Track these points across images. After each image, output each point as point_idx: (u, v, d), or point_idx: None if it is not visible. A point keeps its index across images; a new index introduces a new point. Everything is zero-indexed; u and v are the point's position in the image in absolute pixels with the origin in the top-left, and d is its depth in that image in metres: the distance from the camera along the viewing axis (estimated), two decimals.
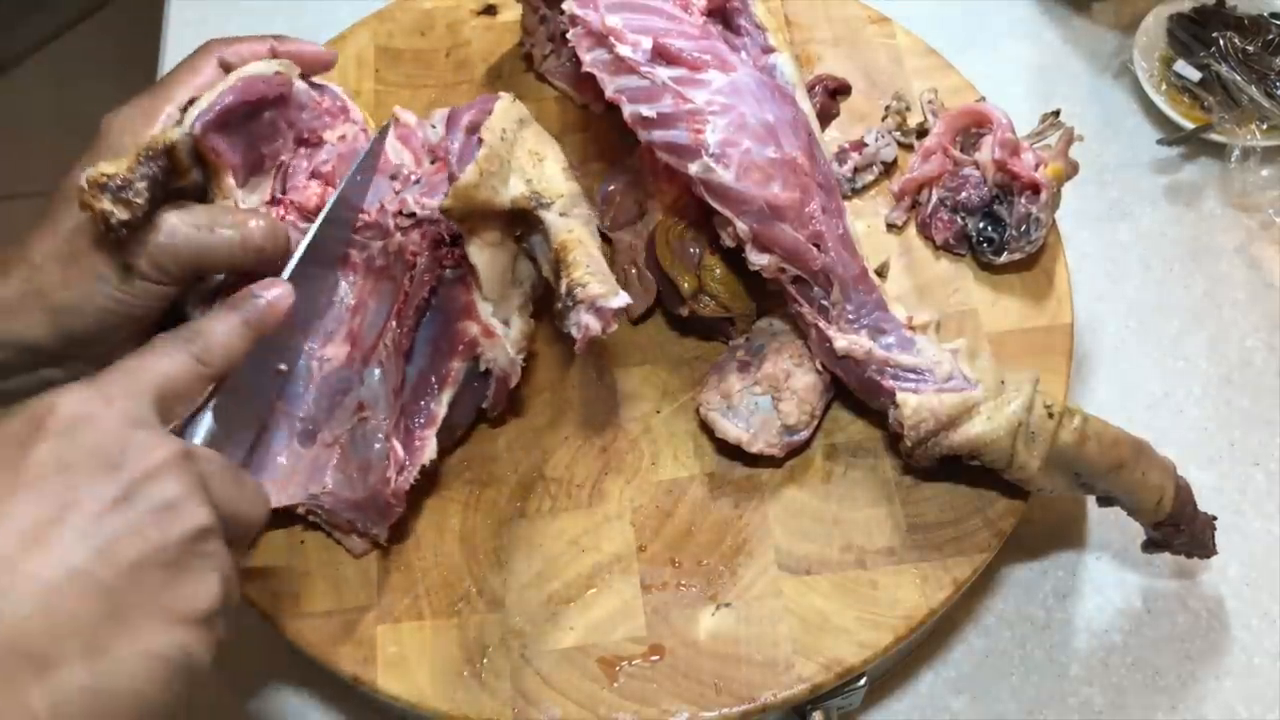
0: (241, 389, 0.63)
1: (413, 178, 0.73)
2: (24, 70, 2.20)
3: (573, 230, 0.68)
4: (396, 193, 0.72)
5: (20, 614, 0.45)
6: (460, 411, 0.71)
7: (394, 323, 0.70)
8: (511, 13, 0.92)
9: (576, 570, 0.70)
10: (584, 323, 0.63)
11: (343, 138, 0.75)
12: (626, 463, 0.73)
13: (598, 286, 0.64)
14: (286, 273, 0.66)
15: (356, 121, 0.76)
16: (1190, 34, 0.97)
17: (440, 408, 0.69)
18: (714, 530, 0.70)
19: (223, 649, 0.75)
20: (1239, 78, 0.94)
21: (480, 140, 0.67)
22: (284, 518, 0.70)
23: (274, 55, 0.72)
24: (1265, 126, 0.93)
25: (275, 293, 0.62)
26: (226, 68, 0.70)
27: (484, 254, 0.68)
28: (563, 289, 0.65)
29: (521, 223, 0.70)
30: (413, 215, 0.70)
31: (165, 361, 0.55)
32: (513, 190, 0.67)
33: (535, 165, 0.69)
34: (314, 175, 0.73)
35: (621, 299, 0.64)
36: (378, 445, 0.69)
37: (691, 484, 0.72)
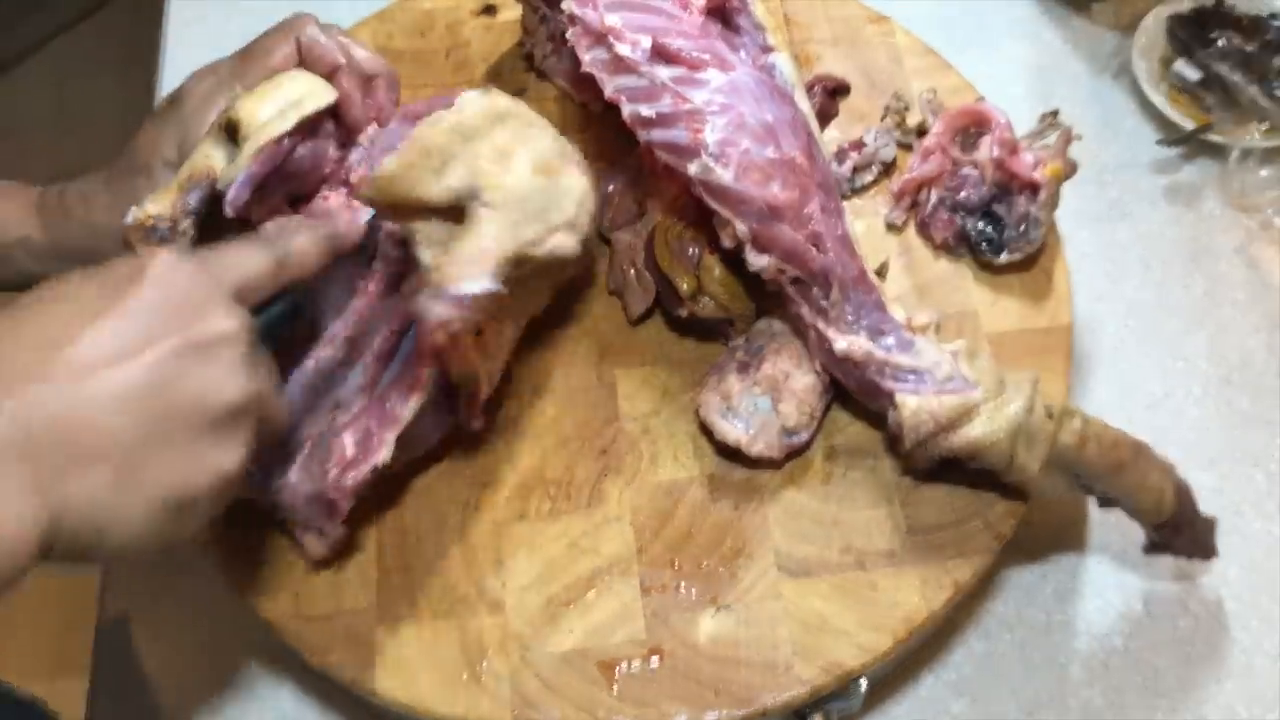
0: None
1: None
2: (24, 70, 2.20)
3: (480, 216, 0.63)
4: None
5: (80, 411, 0.51)
6: (431, 421, 0.69)
7: (387, 328, 0.69)
8: (511, 13, 0.92)
9: (576, 572, 0.69)
10: (423, 312, 0.62)
11: (371, 138, 0.74)
12: (626, 464, 0.73)
13: (454, 268, 0.61)
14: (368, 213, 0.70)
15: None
16: (1190, 34, 0.97)
17: (405, 411, 0.67)
18: (713, 532, 0.70)
19: (223, 649, 0.76)
20: (1238, 78, 0.94)
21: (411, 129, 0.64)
22: (247, 514, 0.69)
23: (335, 71, 0.72)
24: (1265, 127, 0.93)
25: (351, 225, 0.69)
26: (298, 56, 0.72)
27: (430, 252, 0.65)
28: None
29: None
30: None
31: (248, 255, 0.61)
32: (448, 182, 0.63)
33: (495, 162, 0.65)
34: (343, 182, 0.74)
35: (476, 285, 0.61)
36: (339, 441, 0.68)
37: (691, 486, 0.72)
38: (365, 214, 0.71)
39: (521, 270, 0.65)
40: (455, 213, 0.65)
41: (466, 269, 0.62)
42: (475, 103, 0.65)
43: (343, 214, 0.71)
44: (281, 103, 0.69)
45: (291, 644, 0.68)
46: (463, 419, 0.71)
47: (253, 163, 0.67)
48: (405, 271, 0.70)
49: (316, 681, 0.74)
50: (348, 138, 0.74)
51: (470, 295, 0.62)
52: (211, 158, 0.68)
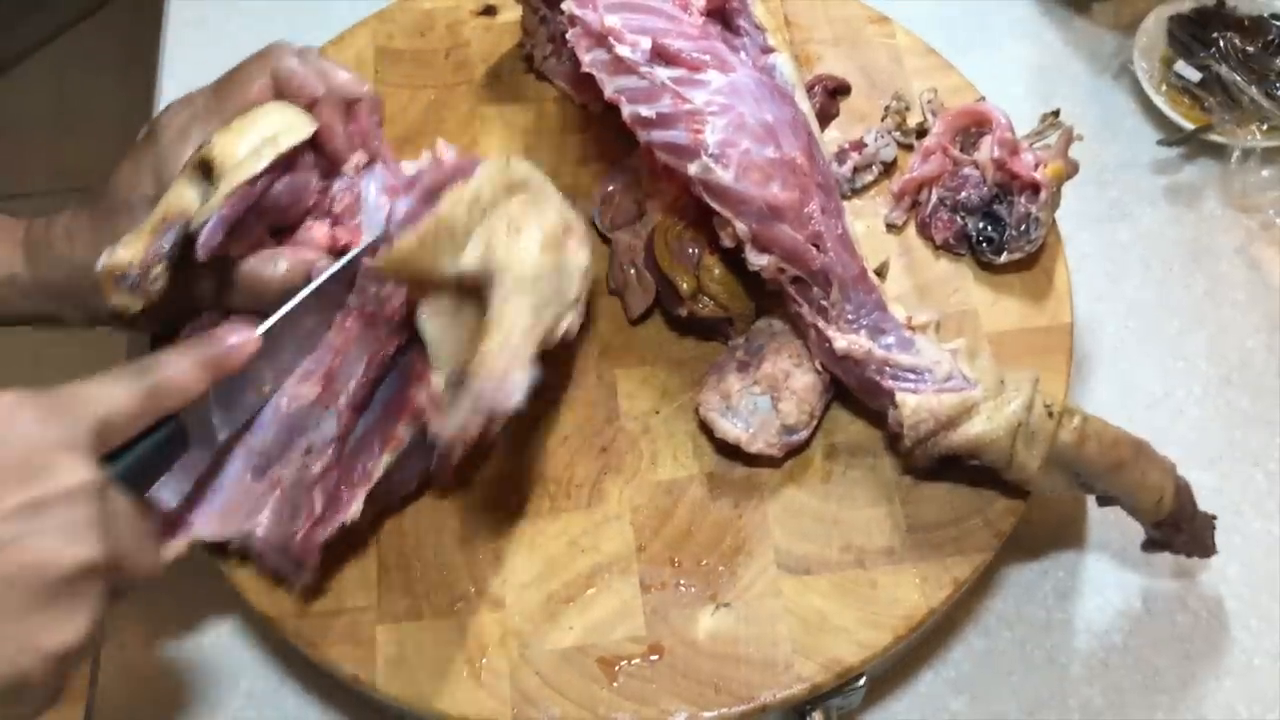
0: (212, 414, 0.64)
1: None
2: (24, 70, 2.20)
3: (509, 305, 0.62)
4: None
5: None
6: (403, 474, 0.69)
7: (363, 374, 0.68)
8: (511, 13, 0.92)
9: (576, 570, 0.69)
10: (469, 405, 0.59)
11: (356, 167, 0.73)
12: (626, 463, 0.73)
13: (501, 361, 0.59)
14: (271, 320, 0.66)
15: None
16: (1190, 35, 0.97)
17: (377, 469, 0.66)
18: (713, 530, 0.70)
19: (223, 648, 0.76)
20: (1239, 78, 0.94)
21: (435, 204, 0.62)
22: (219, 552, 0.69)
23: (315, 102, 0.70)
24: (1265, 127, 0.93)
25: (239, 339, 0.62)
26: (276, 87, 0.70)
27: (434, 323, 0.64)
28: (462, 363, 0.61)
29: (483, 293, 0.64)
30: None
31: (114, 391, 0.56)
32: (464, 261, 0.62)
33: (507, 235, 0.63)
34: (327, 213, 0.72)
35: (523, 379, 0.59)
36: (310, 492, 0.67)
37: (691, 484, 0.72)
38: (263, 324, 0.66)
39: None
40: (467, 286, 0.63)
41: (512, 363, 0.60)
42: (491, 173, 0.64)
43: (237, 333, 0.64)
44: (257, 139, 0.66)
45: (292, 641, 0.68)
46: (434, 476, 0.71)
47: (225, 205, 0.64)
48: (385, 314, 0.69)
49: (317, 680, 0.75)
50: (330, 167, 0.72)
51: (517, 391, 0.60)
52: (185, 198, 0.65)
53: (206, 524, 0.67)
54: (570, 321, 0.66)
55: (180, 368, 0.59)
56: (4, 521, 0.49)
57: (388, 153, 0.75)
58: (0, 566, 0.48)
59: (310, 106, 0.70)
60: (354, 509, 0.65)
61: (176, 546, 0.66)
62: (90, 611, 0.51)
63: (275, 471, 0.68)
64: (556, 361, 0.77)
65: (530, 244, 0.63)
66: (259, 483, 0.68)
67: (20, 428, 0.51)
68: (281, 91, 0.70)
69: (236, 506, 0.68)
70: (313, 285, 0.68)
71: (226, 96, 0.70)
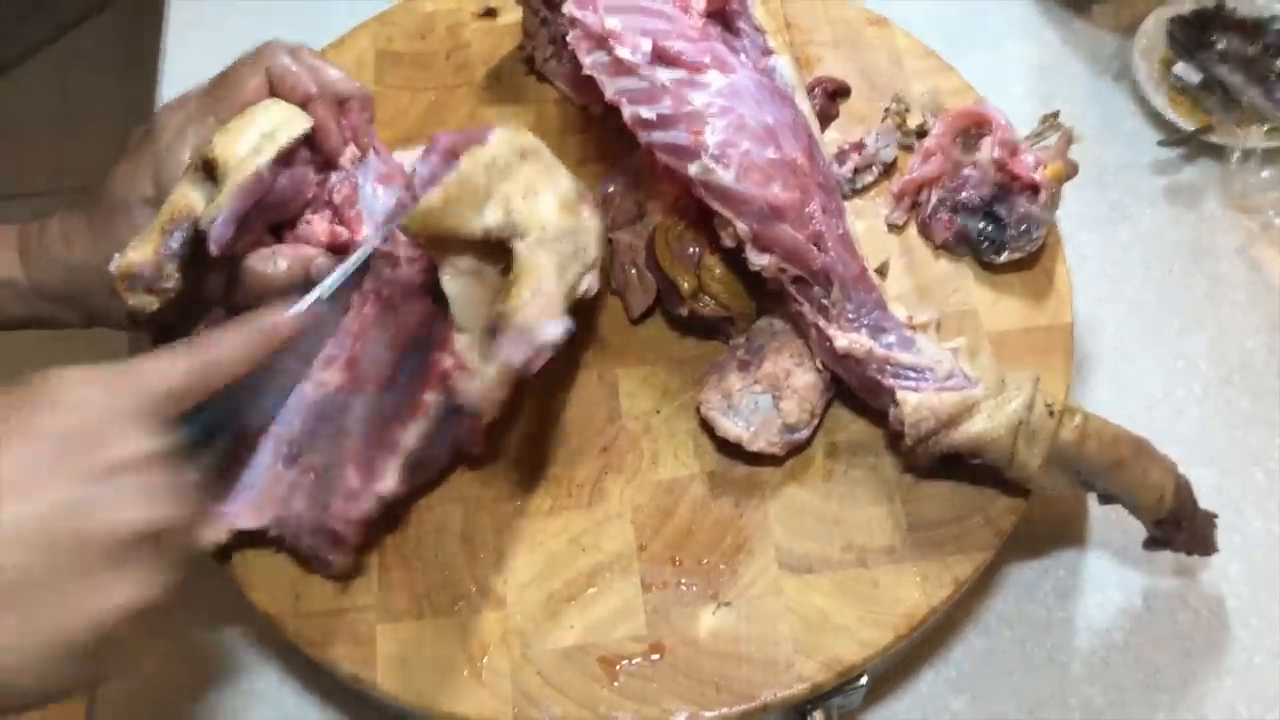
0: (244, 401, 0.65)
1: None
2: (24, 70, 2.20)
3: (537, 258, 0.63)
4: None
5: None
6: (434, 447, 0.69)
7: (388, 353, 0.69)
8: (512, 15, 0.92)
9: (577, 569, 0.70)
10: (505, 355, 0.60)
11: (352, 159, 0.74)
12: (627, 462, 0.73)
13: (534, 308, 0.60)
14: (308, 300, 0.68)
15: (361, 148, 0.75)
16: (1190, 36, 0.97)
17: (407, 438, 0.66)
18: (714, 529, 0.70)
19: (223, 647, 0.76)
20: (1239, 80, 0.94)
21: (456, 164, 0.63)
22: (259, 540, 0.69)
23: (308, 99, 0.71)
24: (1265, 128, 0.93)
25: (284, 318, 0.65)
26: (270, 85, 0.71)
27: (457, 283, 0.65)
28: (492, 314, 0.62)
29: (504, 255, 0.65)
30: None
31: (173, 366, 0.58)
32: (487, 218, 0.63)
33: (524, 199, 0.65)
34: (326, 204, 0.73)
35: (559, 327, 0.60)
36: (342, 472, 0.67)
37: (692, 483, 0.72)
38: (306, 300, 0.68)
39: None
40: (488, 248, 0.64)
41: (546, 311, 0.61)
42: (505, 138, 0.65)
43: (282, 312, 0.67)
44: (256, 136, 0.68)
45: (293, 640, 0.68)
46: (466, 443, 0.71)
47: (234, 199, 0.66)
48: (400, 293, 0.70)
49: (318, 679, 0.75)
50: (325, 163, 0.74)
51: (554, 338, 0.61)
52: (189, 198, 0.67)
53: (242, 514, 0.68)
54: (590, 283, 0.67)
55: (231, 344, 0.62)
56: (78, 485, 0.51)
57: (380, 145, 0.76)
58: (77, 526, 0.50)
59: (304, 104, 0.71)
60: (389, 481, 0.66)
61: (215, 534, 0.67)
62: (159, 571, 0.53)
63: (306, 459, 0.69)
64: (558, 360, 0.77)
65: (548, 204, 0.65)
66: (290, 470, 0.69)
67: (90, 398, 0.53)
68: (275, 90, 0.71)
69: (270, 494, 0.68)
70: (353, 260, 0.70)
71: (221, 96, 0.71)
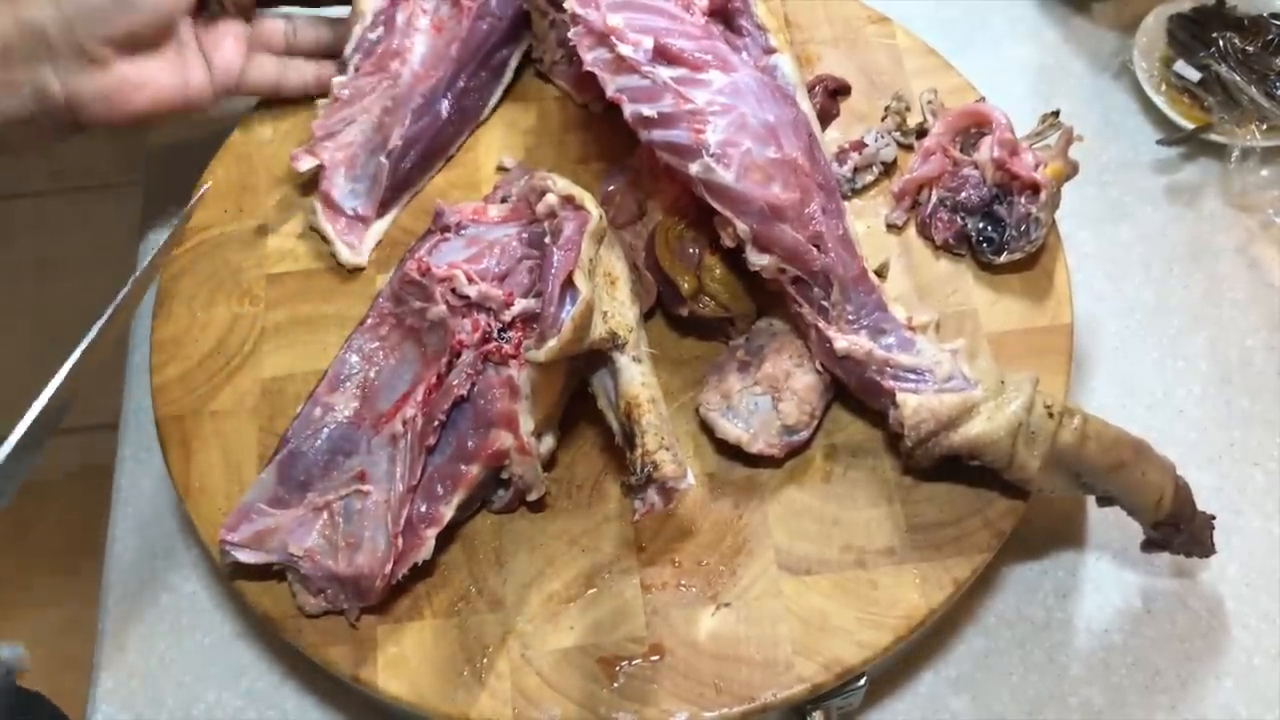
0: None
1: (490, 260, 0.70)
2: None
3: (644, 383, 0.68)
4: (464, 265, 0.70)
5: None
6: (464, 509, 0.69)
7: (420, 407, 0.68)
8: None
9: (576, 570, 0.70)
10: (652, 501, 0.64)
11: None
12: (627, 463, 0.73)
13: (671, 467, 0.64)
14: None
15: None
16: (1190, 34, 0.97)
17: (449, 510, 0.67)
18: (714, 530, 0.70)
19: (223, 647, 0.76)
20: (1239, 78, 0.94)
21: (574, 291, 0.66)
22: (256, 572, 0.69)
23: None
24: (1265, 127, 0.93)
25: None
26: None
27: (541, 374, 0.67)
28: (636, 459, 0.65)
29: (589, 354, 0.69)
30: (466, 298, 0.68)
31: None
32: (594, 333, 0.67)
33: (610, 291, 0.69)
34: None
35: (689, 480, 0.65)
36: (373, 526, 0.67)
37: None
38: None
39: None
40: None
41: (676, 460, 0.65)
42: (593, 233, 0.68)
43: None
44: None
45: (292, 641, 0.68)
46: (501, 509, 0.71)
47: None
48: (427, 326, 0.70)
49: (318, 679, 0.75)
50: None
51: (686, 488, 0.65)
52: None
53: (246, 546, 0.68)
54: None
55: None
56: None
57: None
58: None
59: None
60: (426, 550, 0.67)
61: (228, 561, 0.69)
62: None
63: (317, 494, 0.69)
64: (558, 361, 0.77)
65: (624, 295, 0.70)
66: (297, 500, 0.69)
67: None
68: None
69: (275, 529, 0.68)
70: None
71: None
